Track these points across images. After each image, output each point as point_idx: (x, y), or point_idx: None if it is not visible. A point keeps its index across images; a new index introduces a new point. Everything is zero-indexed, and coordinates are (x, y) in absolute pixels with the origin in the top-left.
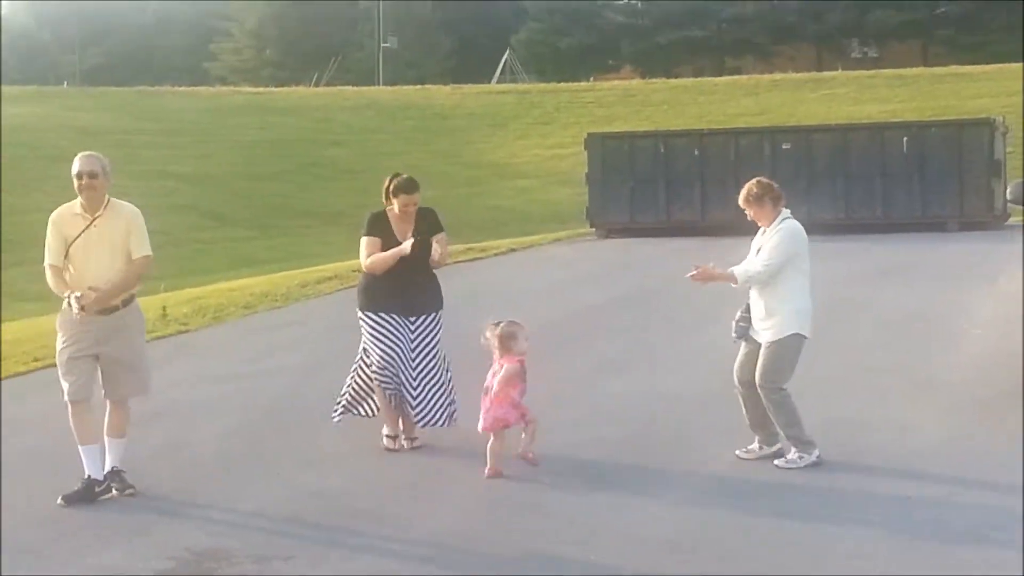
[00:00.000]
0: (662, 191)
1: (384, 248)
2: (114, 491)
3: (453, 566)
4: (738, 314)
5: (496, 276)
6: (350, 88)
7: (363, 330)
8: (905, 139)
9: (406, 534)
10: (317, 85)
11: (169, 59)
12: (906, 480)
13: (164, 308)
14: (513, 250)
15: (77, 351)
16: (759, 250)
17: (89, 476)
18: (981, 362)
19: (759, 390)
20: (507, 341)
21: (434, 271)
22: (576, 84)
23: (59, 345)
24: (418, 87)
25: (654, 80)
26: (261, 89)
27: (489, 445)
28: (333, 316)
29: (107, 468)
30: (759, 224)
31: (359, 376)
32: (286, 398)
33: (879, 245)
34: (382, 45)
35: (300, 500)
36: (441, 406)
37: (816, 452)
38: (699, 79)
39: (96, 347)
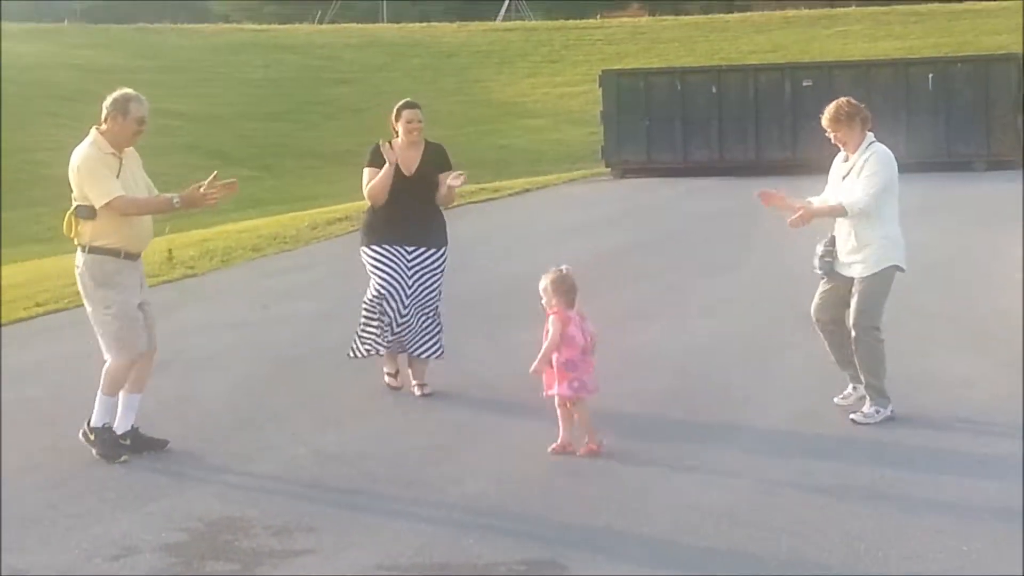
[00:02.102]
0: (679, 129)
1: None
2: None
3: (491, 535)
4: (820, 248)
5: (511, 217)
6: (355, 25)
7: (365, 266)
8: (930, 76)
9: (437, 501)
10: (321, 23)
11: None
12: (978, 437)
13: (170, 251)
14: (527, 190)
15: (136, 298)
16: (845, 177)
17: (134, 427)
18: None
19: (854, 329)
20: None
21: (440, 208)
22: (584, 21)
23: (116, 295)
24: (424, 24)
25: (664, 17)
26: (264, 26)
27: (562, 414)
28: (344, 259)
29: (128, 427)
30: (843, 148)
31: (364, 313)
32: (299, 347)
33: (905, 185)
34: None
35: (319, 462)
36: (434, 339)
37: (891, 407)
38: (710, 16)
39: (140, 294)
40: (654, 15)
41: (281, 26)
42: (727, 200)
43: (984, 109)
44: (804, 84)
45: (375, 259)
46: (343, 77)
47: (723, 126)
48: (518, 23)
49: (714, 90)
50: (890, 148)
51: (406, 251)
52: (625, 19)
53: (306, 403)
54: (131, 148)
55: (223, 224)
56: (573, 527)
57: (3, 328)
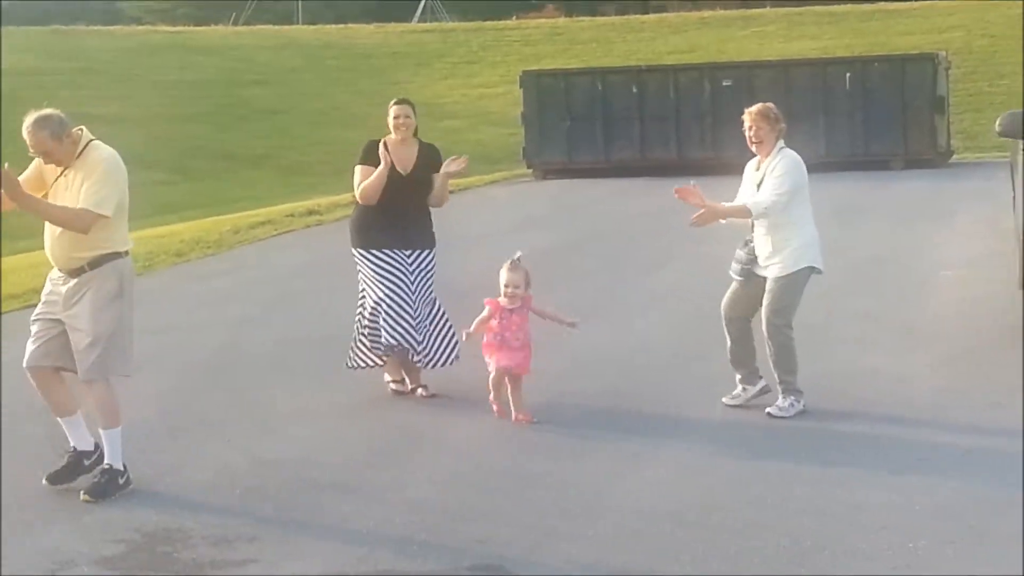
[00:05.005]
0: (600, 130)
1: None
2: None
3: (436, 542)
4: (738, 252)
5: (433, 220)
6: (270, 27)
7: (361, 269)
8: (848, 75)
9: (380, 507)
10: (236, 25)
11: None
12: (917, 432)
13: None
14: (449, 192)
15: (40, 312)
16: (759, 184)
17: (74, 448)
18: (961, 307)
19: (766, 327)
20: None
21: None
22: (501, 23)
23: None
24: (340, 26)
25: (581, 18)
26: (180, 28)
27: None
28: (269, 263)
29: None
30: (757, 149)
31: (363, 320)
32: (227, 352)
33: (824, 184)
34: None
35: (256, 469)
36: (446, 346)
37: (803, 400)
38: (626, 16)
39: (61, 311)
40: (570, 16)
41: (196, 28)
42: (650, 200)
43: (900, 108)
44: (724, 84)
45: (376, 265)
46: (259, 79)
47: (644, 126)
48: (435, 24)
49: (634, 90)
50: (809, 147)
51: (405, 255)
52: (542, 20)
53: (238, 409)
54: (95, 154)
55: (141, 229)
56: (518, 532)
57: None
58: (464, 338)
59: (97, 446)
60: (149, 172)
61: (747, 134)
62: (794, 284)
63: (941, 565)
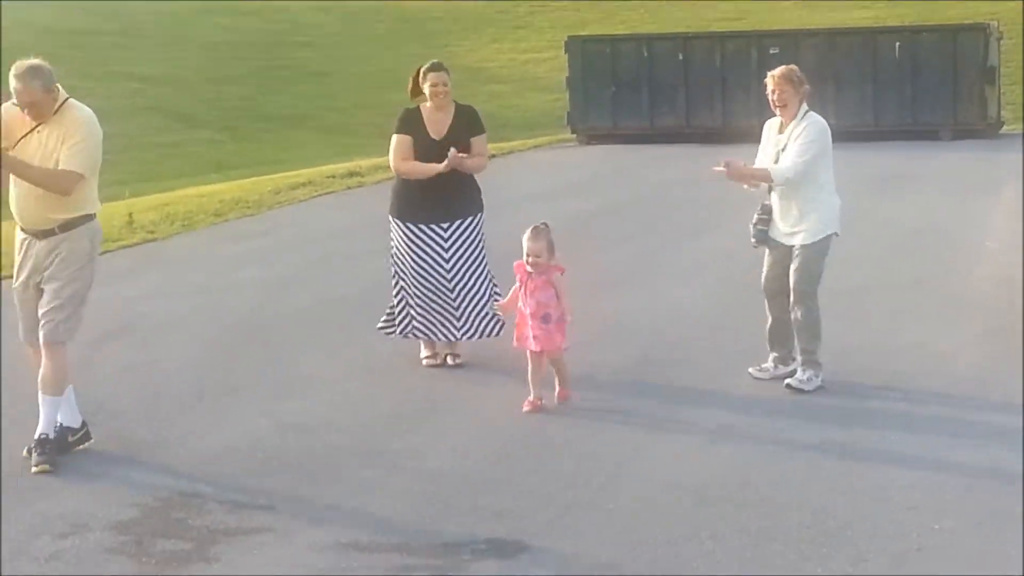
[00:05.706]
0: (645, 96)
1: (416, 146)
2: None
3: (454, 511)
4: (755, 217)
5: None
6: None
7: (393, 236)
8: (897, 44)
9: (399, 475)
10: None
11: None
12: (954, 408)
13: (130, 215)
14: (493, 156)
15: (21, 283)
16: (783, 150)
17: (60, 424)
18: (1003, 281)
19: (796, 295)
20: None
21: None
22: None
23: None
24: None
25: None
26: None
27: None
28: (308, 224)
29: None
30: (780, 112)
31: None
32: (262, 313)
33: (872, 153)
34: None
35: (280, 433)
36: (487, 316)
37: (821, 375)
38: None
39: (36, 275)
40: None
41: None
42: (693, 167)
43: (951, 78)
44: (771, 52)
45: (410, 239)
46: (305, 41)
47: (690, 93)
48: None
49: (680, 57)
50: (857, 116)
51: (442, 228)
52: None
53: (266, 372)
54: (74, 113)
55: (184, 188)
56: (537, 503)
57: None
58: (500, 311)
59: (84, 423)
60: (194, 131)
61: (771, 97)
62: (821, 251)
63: (967, 545)
